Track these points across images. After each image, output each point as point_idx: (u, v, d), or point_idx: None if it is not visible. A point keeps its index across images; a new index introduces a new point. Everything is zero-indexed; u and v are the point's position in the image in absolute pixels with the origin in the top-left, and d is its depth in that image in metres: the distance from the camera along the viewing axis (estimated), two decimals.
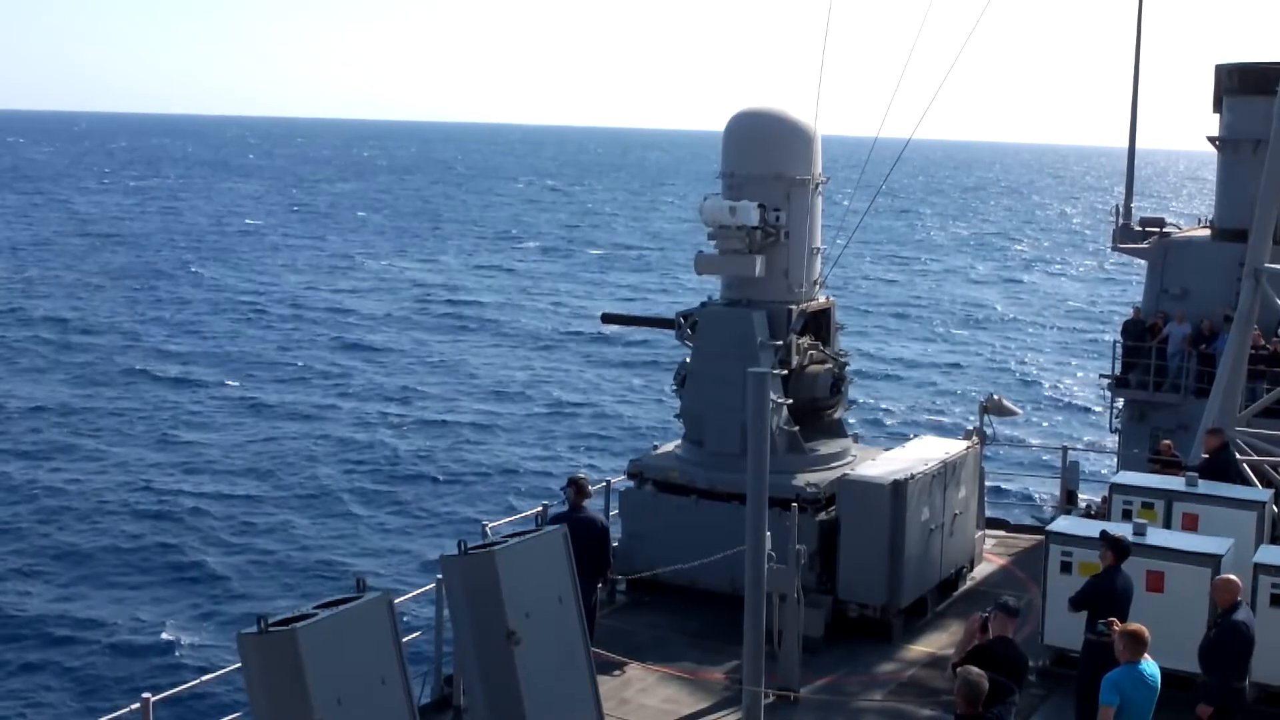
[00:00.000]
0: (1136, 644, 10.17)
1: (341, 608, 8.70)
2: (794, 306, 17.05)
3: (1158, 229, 30.26)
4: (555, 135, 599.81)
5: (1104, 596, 12.22)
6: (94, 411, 48.76)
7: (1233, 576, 12.19)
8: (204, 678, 11.65)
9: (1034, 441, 43.02)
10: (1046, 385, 58.79)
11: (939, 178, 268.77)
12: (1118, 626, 10.62)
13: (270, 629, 8.21)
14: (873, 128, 16.94)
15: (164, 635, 28.56)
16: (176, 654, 27.55)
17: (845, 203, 20.37)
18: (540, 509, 15.17)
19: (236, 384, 54.54)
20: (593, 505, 14.83)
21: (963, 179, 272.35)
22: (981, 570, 18.47)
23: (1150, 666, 10.19)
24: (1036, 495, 34.44)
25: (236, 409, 50.33)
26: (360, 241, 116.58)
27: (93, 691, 25.93)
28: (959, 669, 9.65)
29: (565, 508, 14.22)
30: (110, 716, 10.53)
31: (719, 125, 18.18)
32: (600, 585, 14.70)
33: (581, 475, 14.77)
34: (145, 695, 10.62)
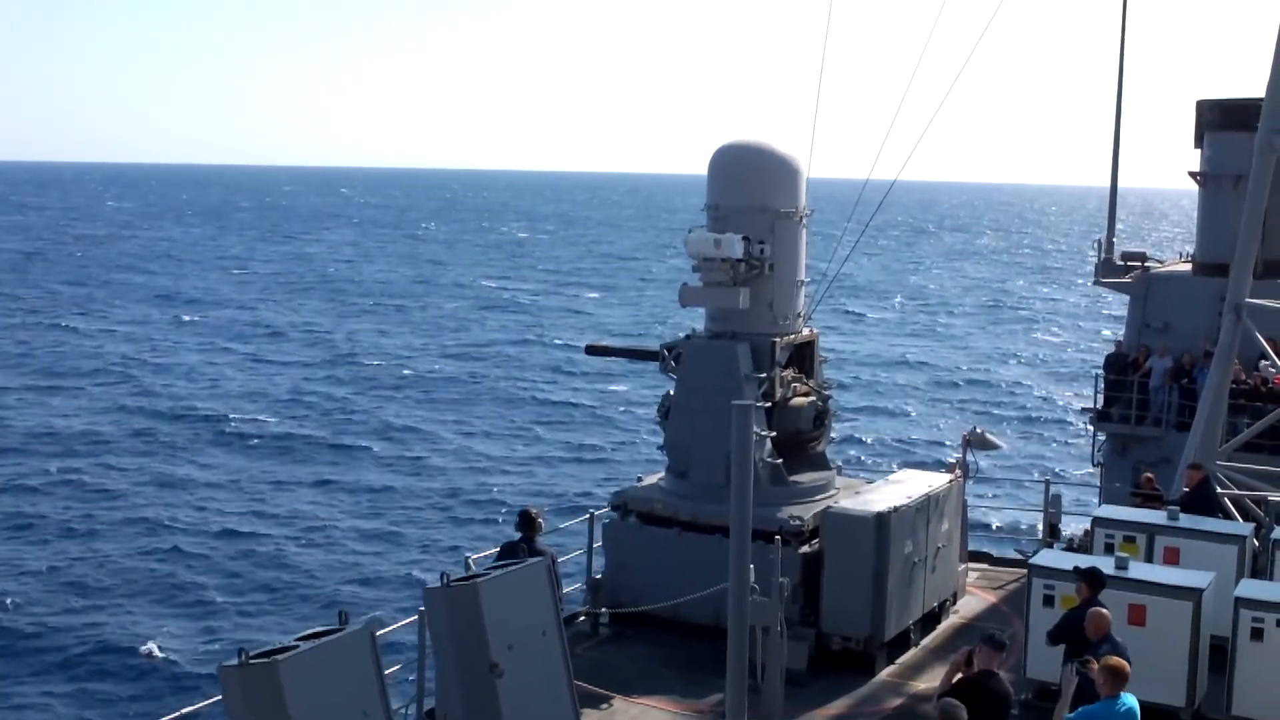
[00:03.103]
0: (1116, 678, 10.18)
1: (323, 640, 8.67)
2: (778, 339, 17.07)
3: (1140, 263, 30.41)
4: (540, 181, 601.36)
5: (1080, 630, 12.20)
6: (86, 439, 48.63)
7: (1104, 610, 12.03)
8: (184, 710, 11.54)
9: (1017, 474, 43.09)
10: (1029, 418, 58.93)
11: (919, 217, 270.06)
12: (1094, 664, 10.58)
13: (251, 661, 8.19)
14: (847, 170, 17.11)
15: (145, 666, 28.35)
16: (158, 685, 27.33)
17: (834, 245, 20.43)
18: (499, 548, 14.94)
19: (224, 420, 54.34)
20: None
21: (942, 218, 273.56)
22: (965, 603, 18.46)
23: (1129, 700, 10.19)
24: (1019, 528, 34.44)
25: (220, 444, 50.19)
26: (351, 283, 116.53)
27: None
28: (940, 701, 9.64)
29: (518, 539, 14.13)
30: None
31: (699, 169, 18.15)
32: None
33: (534, 509, 14.65)
34: None
